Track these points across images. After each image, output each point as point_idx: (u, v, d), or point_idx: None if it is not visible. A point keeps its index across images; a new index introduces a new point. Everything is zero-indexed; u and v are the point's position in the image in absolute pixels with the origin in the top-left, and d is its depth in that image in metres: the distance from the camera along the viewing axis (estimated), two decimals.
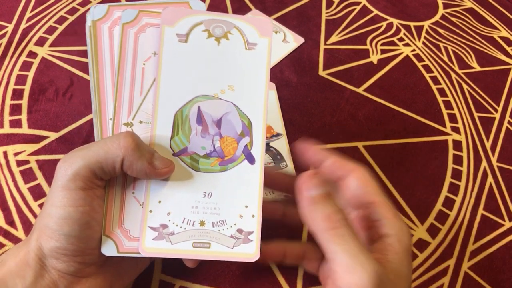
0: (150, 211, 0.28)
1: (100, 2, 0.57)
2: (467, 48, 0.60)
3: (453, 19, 0.65)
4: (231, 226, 0.29)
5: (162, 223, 0.28)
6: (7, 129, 0.43)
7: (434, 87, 0.55)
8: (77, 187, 0.25)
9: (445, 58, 0.58)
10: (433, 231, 0.42)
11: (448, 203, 0.44)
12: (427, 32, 0.62)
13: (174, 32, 0.30)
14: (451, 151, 0.48)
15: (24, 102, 0.45)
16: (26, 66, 0.48)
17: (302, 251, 0.34)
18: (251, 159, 0.30)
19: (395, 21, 0.62)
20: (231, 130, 0.30)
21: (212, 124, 0.30)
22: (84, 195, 0.26)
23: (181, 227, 0.28)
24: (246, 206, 0.29)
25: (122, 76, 0.29)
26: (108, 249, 0.27)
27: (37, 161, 0.41)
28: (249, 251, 0.28)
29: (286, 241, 0.35)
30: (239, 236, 0.28)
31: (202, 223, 0.28)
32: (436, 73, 0.56)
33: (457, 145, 0.49)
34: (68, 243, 0.26)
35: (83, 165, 0.25)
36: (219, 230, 0.28)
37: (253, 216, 0.29)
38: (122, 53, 0.29)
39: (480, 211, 0.44)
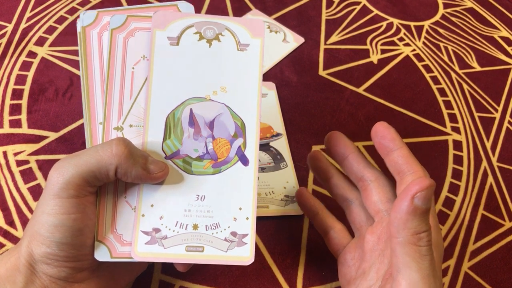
0: (143, 215, 0.28)
1: (96, 4, 0.57)
2: (467, 48, 0.60)
3: (453, 19, 0.65)
4: (224, 229, 0.28)
5: (154, 227, 0.28)
6: (6, 129, 0.43)
7: (434, 87, 0.55)
8: (70, 195, 0.25)
9: (445, 58, 0.58)
10: None
11: (448, 203, 0.44)
12: (427, 32, 0.62)
13: (165, 35, 0.29)
14: (451, 151, 0.48)
15: (24, 102, 0.45)
16: (25, 66, 0.48)
17: (330, 227, 0.34)
18: (244, 161, 0.29)
19: (395, 21, 0.62)
20: (224, 131, 0.29)
21: (205, 126, 0.29)
22: (77, 203, 0.26)
23: (174, 231, 0.28)
24: (240, 209, 0.29)
25: (112, 80, 0.29)
26: (101, 255, 0.27)
27: (37, 161, 0.41)
28: (244, 254, 0.28)
29: (325, 209, 0.35)
30: (233, 239, 0.28)
31: (195, 227, 0.28)
32: (436, 73, 0.56)
33: (457, 145, 0.49)
34: (60, 250, 0.25)
35: (75, 174, 0.25)
36: (212, 234, 0.28)
37: (247, 218, 0.29)
38: (111, 58, 0.29)
39: (480, 211, 0.44)
